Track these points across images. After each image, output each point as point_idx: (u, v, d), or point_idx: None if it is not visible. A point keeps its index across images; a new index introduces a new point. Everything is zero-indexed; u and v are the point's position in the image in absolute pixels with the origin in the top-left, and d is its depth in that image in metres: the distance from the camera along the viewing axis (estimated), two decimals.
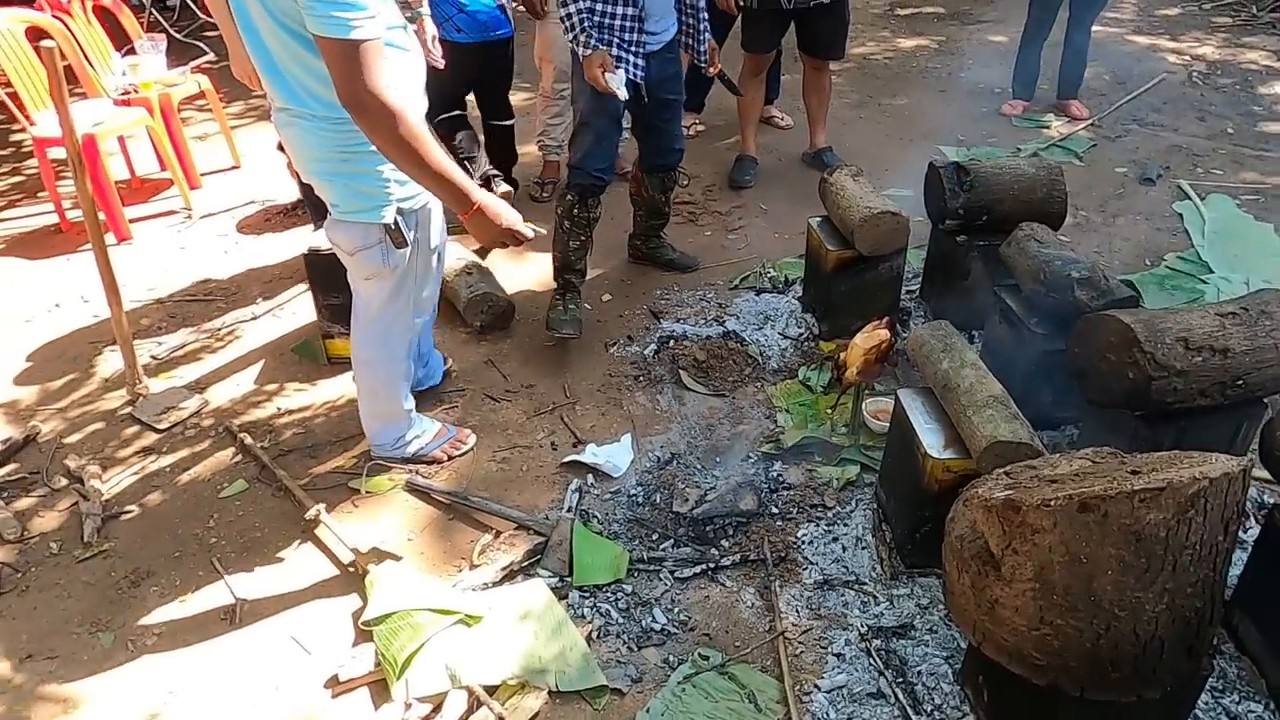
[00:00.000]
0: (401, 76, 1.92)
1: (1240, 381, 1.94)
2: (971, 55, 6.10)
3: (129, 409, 2.83)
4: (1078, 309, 2.30)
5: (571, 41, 2.69)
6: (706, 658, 1.98)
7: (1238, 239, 3.74)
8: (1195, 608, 1.34)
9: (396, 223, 2.04)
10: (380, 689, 1.92)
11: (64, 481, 2.55)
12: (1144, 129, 4.90)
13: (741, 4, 3.87)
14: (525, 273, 3.59)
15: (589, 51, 2.66)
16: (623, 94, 2.71)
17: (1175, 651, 1.37)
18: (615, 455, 2.56)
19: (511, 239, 1.99)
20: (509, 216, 1.96)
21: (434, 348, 2.85)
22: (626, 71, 2.74)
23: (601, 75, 2.65)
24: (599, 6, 2.68)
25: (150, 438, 2.73)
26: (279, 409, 2.85)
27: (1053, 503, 1.26)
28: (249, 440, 2.66)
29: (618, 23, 2.72)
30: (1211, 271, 3.48)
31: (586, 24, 2.65)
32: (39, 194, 4.27)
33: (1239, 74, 5.67)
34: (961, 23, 6.85)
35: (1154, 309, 2.21)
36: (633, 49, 2.77)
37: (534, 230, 2.03)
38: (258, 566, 2.27)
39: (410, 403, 2.52)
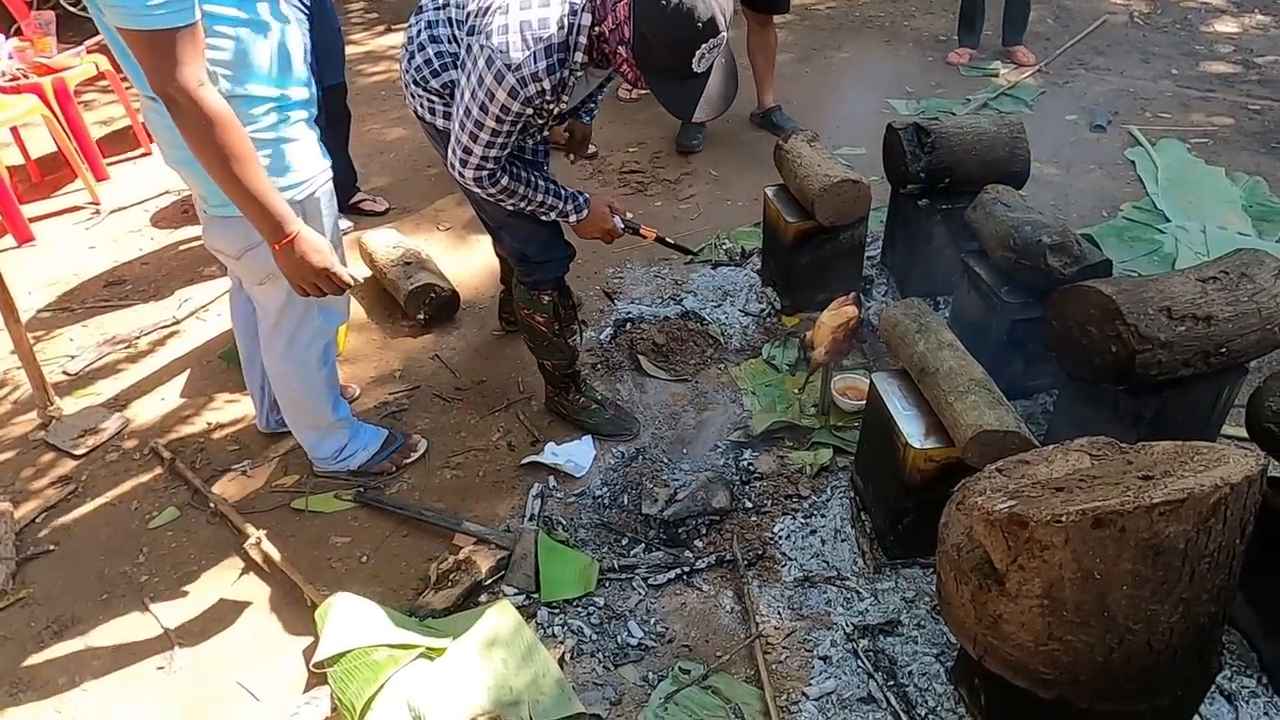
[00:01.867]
0: (253, 60, 1.68)
1: (1223, 349, 1.87)
2: (915, 3, 5.96)
3: (41, 434, 2.59)
4: (1050, 277, 2.21)
5: (557, 216, 2.12)
6: (687, 671, 1.87)
7: (1191, 185, 3.70)
8: (1209, 612, 1.26)
9: None
10: None
11: None
12: (1090, 73, 4.84)
13: None
14: (468, 259, 3.39)
15: (584, 212, 2.13)
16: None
17: (1187, 657, 1.29)
18: (576, 454, 2.42)
19: (327, 283, 1.72)
20: (328, 258, 1.70)
21: None
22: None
23: (620, 221, 2.23)
24: (537, 176, 2.06)
25: (67, 465, 2.49)
26: (209, 424, 2.63)
27: (1064, 518, 1.15)
28: (178, 462, 2.45)
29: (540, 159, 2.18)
30: (1168, 220, 3.44)
31: (559, 190, 2.08)
32: None
33: (1179, 13, 5.63)
34: None
35: (1133, 277, 2.13)
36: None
37: (355, 277, 1.77)
38: (195, 605, 2.08)
39: (344, 411, 2.33)
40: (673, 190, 3.85)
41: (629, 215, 2.29)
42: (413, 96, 2.07)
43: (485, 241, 3.14)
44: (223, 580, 2.14)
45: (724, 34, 1.69)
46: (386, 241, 3.17)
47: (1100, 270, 2.23)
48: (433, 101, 2.02)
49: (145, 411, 2.69)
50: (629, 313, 3.00)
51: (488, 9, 1.76)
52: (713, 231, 3.48)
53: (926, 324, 2.05)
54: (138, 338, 3.00)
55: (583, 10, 1.76)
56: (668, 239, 2.43)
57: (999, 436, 1.72)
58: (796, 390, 2.59)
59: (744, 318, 2.96)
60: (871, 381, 2.06)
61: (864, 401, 2.22)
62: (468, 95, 1.79)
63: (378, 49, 5.50)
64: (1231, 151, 3.95)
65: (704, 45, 1.67)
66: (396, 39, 5.55)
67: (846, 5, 5.97)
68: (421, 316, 2.97)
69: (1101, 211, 3.58)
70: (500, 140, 1.85)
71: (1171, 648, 1.25)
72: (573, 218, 2.14)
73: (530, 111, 1.81)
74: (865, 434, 2.17)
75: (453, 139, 1.89)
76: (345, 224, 3.58)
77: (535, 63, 1.72)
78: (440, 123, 2.04)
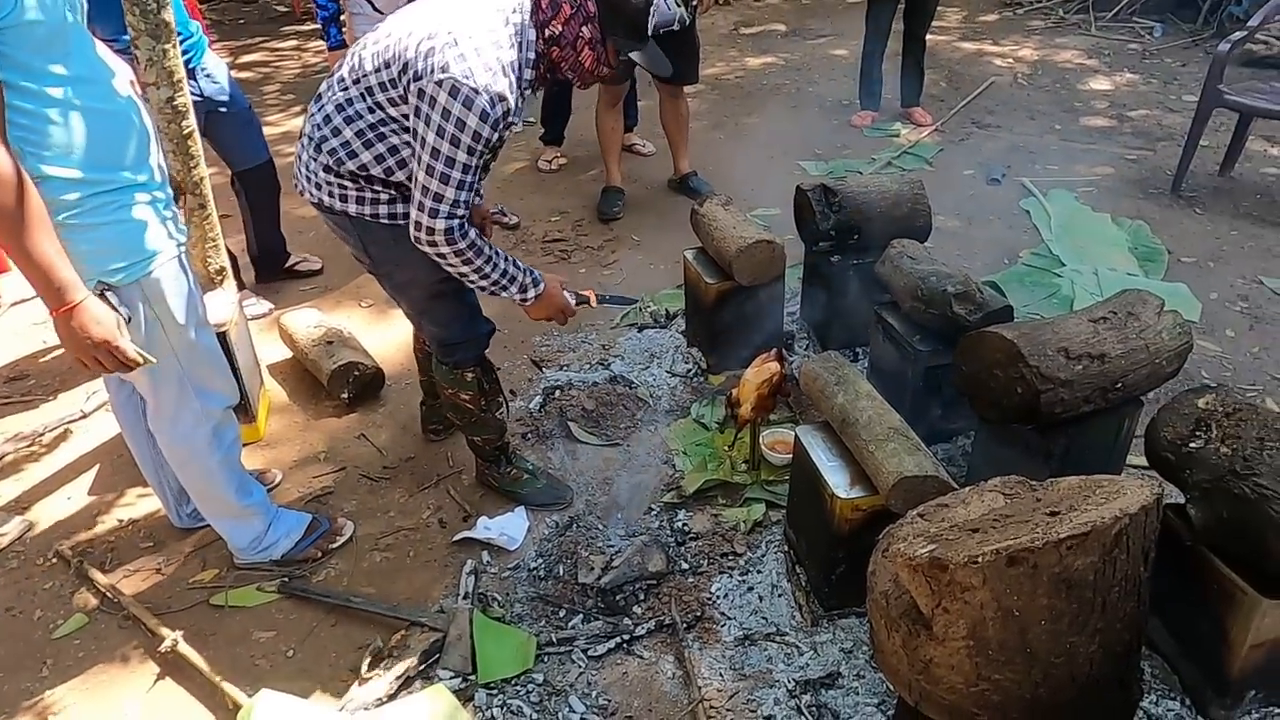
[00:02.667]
0: (68, 139, 1.63)
1: (1119, 385, 1.97)
2: (817, 70, 6.28)
3: None
4: (957, 324, 2.32)
5: (517, 291, 2.07)
6: None
7: (1081, 231, 3.95)
8: (1124, 640, 1.31)
9: (105, 298, 1.72)
10: None
11: None
12: (982, 131, 5.15)
13: None
14: (391, 334, 3.36)
15: (541, 286, 2.10)
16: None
17: (1109, 686, 1.33)
18: (509, 526, 2.38)
19: (108, 357, 1.65)
20: (109, 330, 1.64)
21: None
22: None
23: (572, 298, 2.22)
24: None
25: None
26: (120, 520, 2.51)
27: (980, 559, 1.19)
28: (85, 563, 2.31)
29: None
30: (1064, 264, 3.65)
31: (513, 263, 2.05)
32: None
33: (1057, 73, 6.07)
34: (804, 38, 7.07)
35: (1032, 320, 2.25)
36: None
37: (145, 356, 1.72)
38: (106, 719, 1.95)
39: (256, 496, 2.24)
40: (596, 257, 3.91)
41: (571, 287, 2.27)
42: (318, 188, 2.03)
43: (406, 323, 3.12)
44: (136, 689, 2.02)
45: None
46: (307, 321, 3.12)
47: (1002, 315, 2.34)
48: (344, 188, 2.00)
49: (50, 512, 2.55)
50: (558, 380, 3.01)
51: (429, 51, 1.80)
52: (637, 295, 3.53)
53: (844, 376, 2.12)
54: (41, 435, 2.85)
55: (527, 27, 1.89)
56: (606, 295, 2.44)
57: (919, 481, 1.77)
58: (726, 448, 2.62)
59: (671, 379, 2.99)
60: (796, 435, 2.10)
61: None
62: (431, 136, 1.81)
63: (294, 129, 5.49)
64: (1114, 198, 4.24)
65: (651, 5, 1.92)
66: None
67: (754, 74, 6.26)
68: (345, 395, 2.91)
69: (1003, 259, 3.77)
70: (470, 179, 1.87)
71: (1093, 678, 1.29)
72: (530, 293, 2.09)
73: (496, 137, 1.87)
74: (794, 487, 2.20)
75: (417, 195, 1.87)
76: (265, 306, 3.52)
77: (499, 81, 1.81)
78: (353, 209, 2.02)
